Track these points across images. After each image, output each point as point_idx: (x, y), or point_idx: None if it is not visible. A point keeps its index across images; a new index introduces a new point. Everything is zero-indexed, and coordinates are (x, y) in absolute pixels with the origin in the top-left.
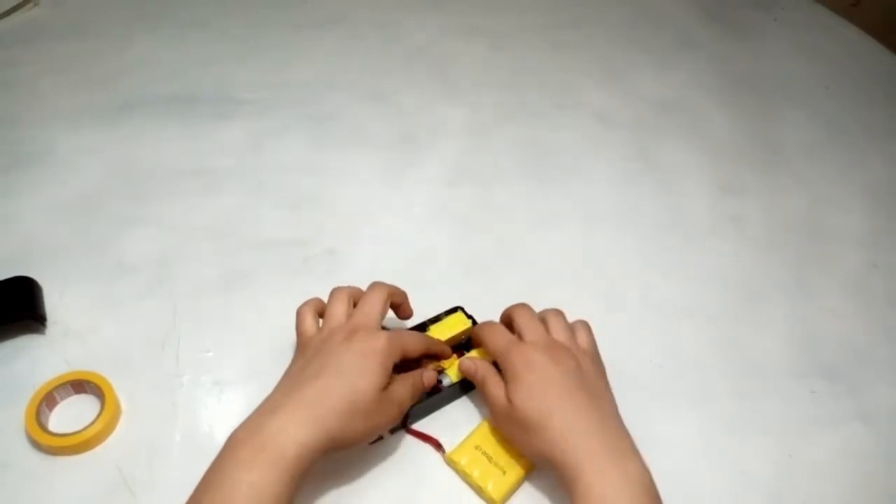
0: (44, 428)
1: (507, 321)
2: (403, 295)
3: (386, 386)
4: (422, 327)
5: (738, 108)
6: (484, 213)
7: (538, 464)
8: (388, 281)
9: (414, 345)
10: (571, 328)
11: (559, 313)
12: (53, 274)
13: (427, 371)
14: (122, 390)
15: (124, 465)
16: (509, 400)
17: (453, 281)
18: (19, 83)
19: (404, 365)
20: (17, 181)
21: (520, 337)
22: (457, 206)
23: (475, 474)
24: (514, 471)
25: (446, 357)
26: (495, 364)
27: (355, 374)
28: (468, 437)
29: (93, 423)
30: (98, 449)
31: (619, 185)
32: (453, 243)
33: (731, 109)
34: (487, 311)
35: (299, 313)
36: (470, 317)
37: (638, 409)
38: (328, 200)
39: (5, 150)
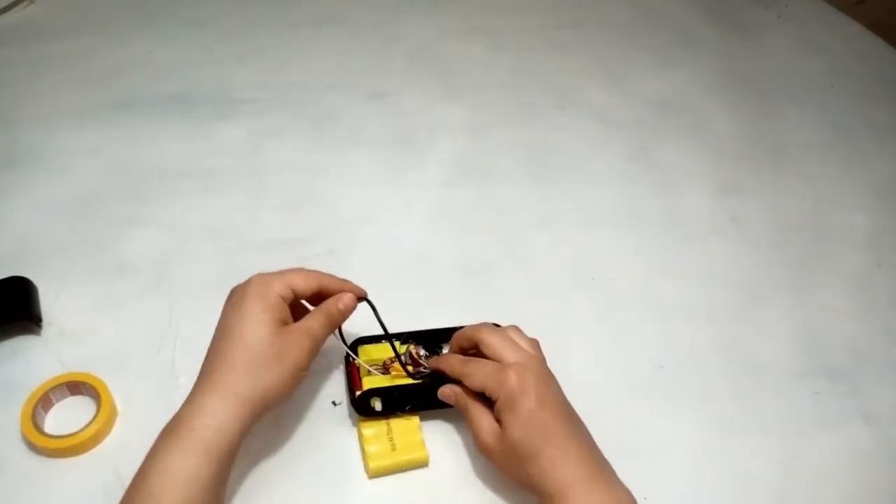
0: (39, 430)
1: (468, 344)
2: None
3: (287, 324)
4: (446, 333)
5: (740, 107)
6: (484, 213)
7: (520, 487)
8: (387, 281)
9: (302, 279)
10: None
11: (519, 330)
12: (50, 274)
13: (344, 295)
14: (118, 392)
15: (121, 467)
16: (502, 429)
17: (453, 281)
18: (15, 81)
19: None
20: (13, 180)
21: (497, 360)
22: (457, 207)
23: (365, 434)
24: (403, 455)
25: (355, 293)
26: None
27: (237, 328)
28: (391, 416)
29: (89, 424)
30: (94, 451)
31: (619, 185)
32: (453, 243)
33: (733, 108)
34: (487, 312)
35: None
36: None
37: (638, 409)
38: (328, 200)
39: (1, 149)
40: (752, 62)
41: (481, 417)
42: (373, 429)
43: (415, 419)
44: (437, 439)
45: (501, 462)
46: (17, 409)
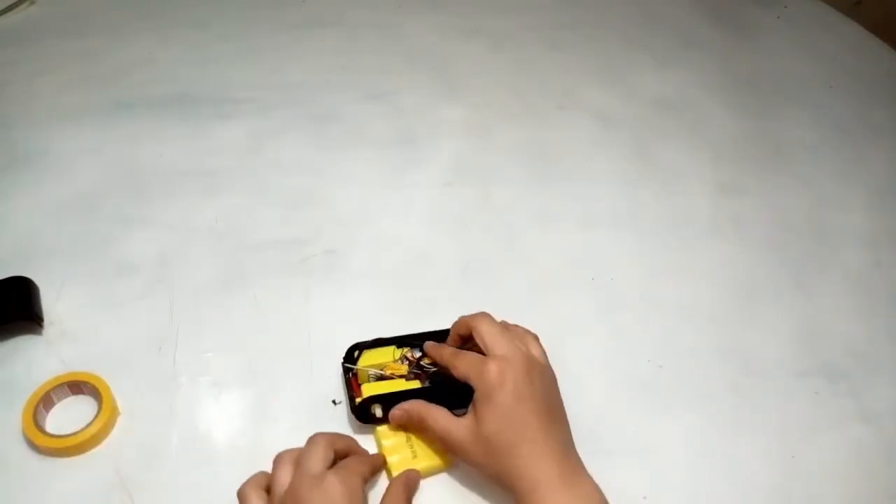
0: (41, 429)
1: (465, 331)
2: (348, 440)
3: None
4: (440, 335)
5: (739, 107)
6: (484, 213)
7: (489, 481)
8: (387, 281)
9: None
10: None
11: (517, 326)
12: (50, 274)
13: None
14: (119, 391)
15: (122, 467)
16: (477, 422)
17: (453, 281)
18: (16, 82)
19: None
20: (14, 181)
21: (486, 352)
22: (456, 206)
23: (384, 444)
24: (425, 461)
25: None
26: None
27: None
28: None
29: (90, 424)
30: (95, 451)
31: (619, 185)
32: (453, 243)
33: (732, 108)
34: (487, 311)
35: (241, 495)
36: None
37: (638, 409)
38: (328, 200)
39: (2, 149)
40: (752, 62)
41: (444, 419)
42: (391, 439)
43: None
44: None
45: (474, 457)
46: (19, 409)
